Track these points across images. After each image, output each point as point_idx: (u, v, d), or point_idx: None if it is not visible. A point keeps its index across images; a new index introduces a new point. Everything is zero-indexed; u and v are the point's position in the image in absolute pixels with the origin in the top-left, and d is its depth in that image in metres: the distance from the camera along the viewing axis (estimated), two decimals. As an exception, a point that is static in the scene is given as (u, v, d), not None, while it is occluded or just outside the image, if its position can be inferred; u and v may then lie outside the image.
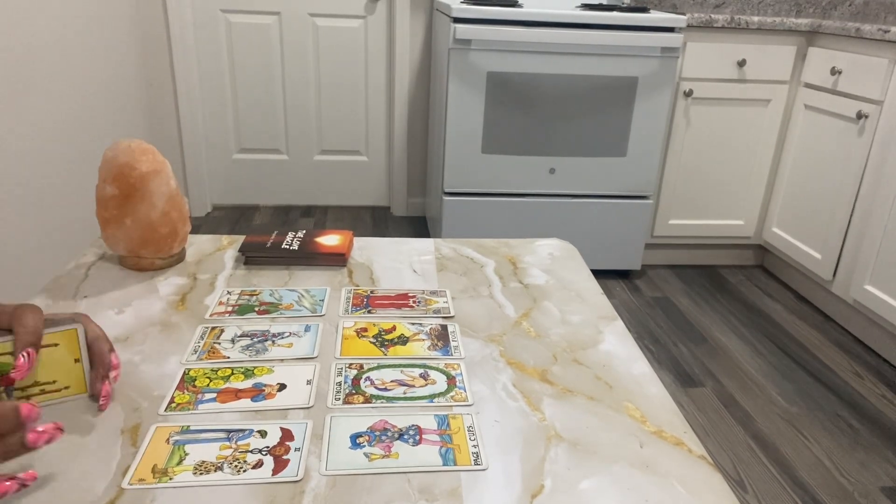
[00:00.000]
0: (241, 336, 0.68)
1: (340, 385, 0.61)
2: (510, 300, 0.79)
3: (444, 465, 0.51)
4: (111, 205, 0.76)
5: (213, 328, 0.69)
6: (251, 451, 0.52)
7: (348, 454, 0.52)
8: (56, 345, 0.55)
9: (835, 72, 2.30)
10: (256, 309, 0.74)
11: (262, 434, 0.54)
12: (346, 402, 0.58)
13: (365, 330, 0.70)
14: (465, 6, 2.22)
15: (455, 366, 0.65)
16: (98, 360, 0.57)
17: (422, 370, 0.64)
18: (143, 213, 0.77)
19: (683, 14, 2.37)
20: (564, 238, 2.54)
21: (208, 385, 0.60)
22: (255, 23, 2.92)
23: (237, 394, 0.59)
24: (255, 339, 0.67)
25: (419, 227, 3.10)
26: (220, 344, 0.66)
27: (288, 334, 0.69)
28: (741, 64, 2.44)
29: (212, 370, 0.62)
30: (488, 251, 0.93)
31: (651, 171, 2.47)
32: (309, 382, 0.61)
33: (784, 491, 1.55)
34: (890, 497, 1.55)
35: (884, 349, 2.18)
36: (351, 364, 0.64)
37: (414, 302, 0.77)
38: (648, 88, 2.35)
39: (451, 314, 0.75)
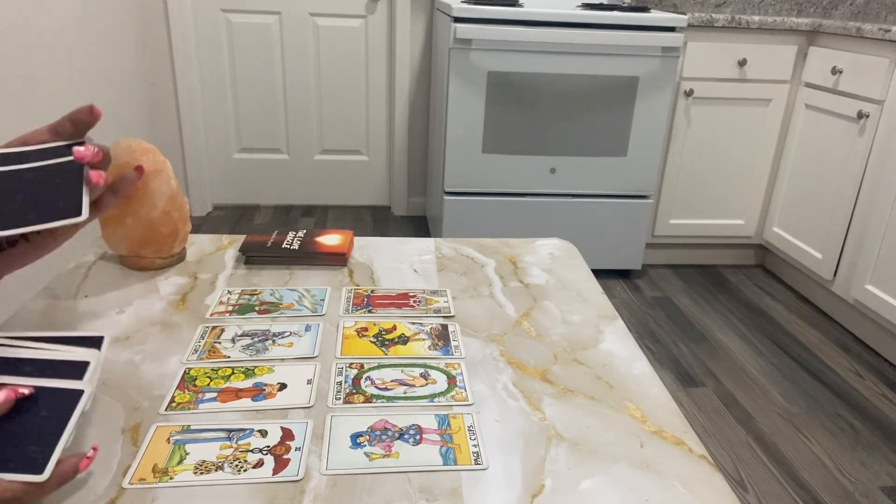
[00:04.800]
0: (241, 335, 0.68)
1: (341, 384, 0.61)
2: (511, 300, 0.79)
3: (444, 464, 0.51)
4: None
5: (214, 328, 0.69)
6: (252, 451, 0.52)
7: (349, 454, 0.52)
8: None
9: (835, 71, 2.29)
10: (257, 308, 0.74)
11: (263, 433, 0.54)
12: (346, 401, 0.58)
13: (365, 329, 0.70)
14: (465, 6, 2.22)
15: (455, 365, 0.65)
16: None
17: (422, 370, 0.64)
18: (143, 212, 0.77)
19: (684, 13, 2.37)
20: (565, 238, 2.54)
21: (209, 384, 0.60)
22: (255, 22, 2.92)
23: (238, 393, 0.59)
24: (256, 339, 0.67)
25: (420, 226, 3.10)
26: (220, 343, 0.66)
27: (288, 334, 0.69)
28: (742, 63, 2.43)
29: (212, 370, 0.62)
30: (489, 251, 0.93)
31: (651, 170, 2.47)
32: (309, 382, 0.61)
33: (785, 491, 1.55)
34: (890, 497, 1.55)
35: (884, 349, 2.18)
36: (351, 364, 0.64)
37: (414, 301, 0.77)
38: (649, 88, 2.35)
39: (452, 314, 0.75)
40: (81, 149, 0.54)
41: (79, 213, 0.53)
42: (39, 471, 0.44)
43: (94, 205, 0.58)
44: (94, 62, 2.31)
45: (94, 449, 0.49)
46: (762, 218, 2.70)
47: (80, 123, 0.55)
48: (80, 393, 0.48)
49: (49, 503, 0.46)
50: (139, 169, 0.63)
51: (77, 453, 0.48)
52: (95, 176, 0.55)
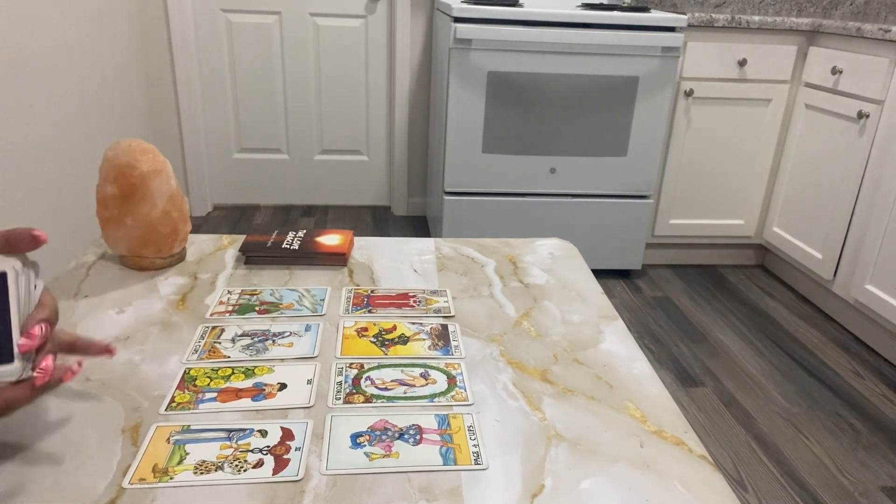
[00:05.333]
0: (241, 335, 0.68)
1: (341, 384, 0.61)
2: (511, 300, 0.79)
3: (444, 464, 0.51)
4: (111, 204, 0.76)
5: (214, 328, 0.69)
6: (252, 451, 0.52)
7: (349, 454, 0.52)
8: None
9: (835, 71, 2.29)
10: (257, 308, 0.74)
11: (263, 433, 0.54)
12: (346, 401, 0.58)
13: (365, 329, 0.70)
14: (465, 6, 2.22)
15: (455, 365, 0.65)
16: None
17: (422, 370, 0.64)
18: (143, 212, 0.77)
19: (684, 13, 2.37)
20: (565, 237, 2.54)
21: (209, 384, 0.60)
22: (255, 22, 2.92)
23: (238, 393, 0.59)
24: (256, 339, 0.67)
25: (420, 226, 3.10)
26: (220, 343, 0.66)
27: (288, 334, 0.69)
28: (742, 63, 2.43)
29: (212, 370, 0.62)
30: (489, 251, 0.93)
31: (651, 170, 2.47)
32: (309, 382, 0.61)
33: (784, 491, 1.55)
34: (890, 497, 1.55)
35: (884, 349, 2.18)
36: (351, 364, 0.64)
37: (414, 301, 0.77)
38: (649, 88, 2.35)
39: (452, 314, 0.75)
40: (22, 341, 0.47)
41: (10, 360, 0.46)
42: (8, 359, 0.44)
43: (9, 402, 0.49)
44: (93, 62, 2.31)
45: (79, 364, 0.50)
46: (762, 218, 2.70)
47: (14, 246, 0.49)
48: (3, 276, 0.47)
49: (48, 502, 0.46)
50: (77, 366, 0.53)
51: (62, 365, 0.49)
52: (41, 376, 0.48)
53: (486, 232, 2.49)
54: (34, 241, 0.49)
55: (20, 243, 0.49)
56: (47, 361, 0.49)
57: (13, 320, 0.46)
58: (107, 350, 0.56)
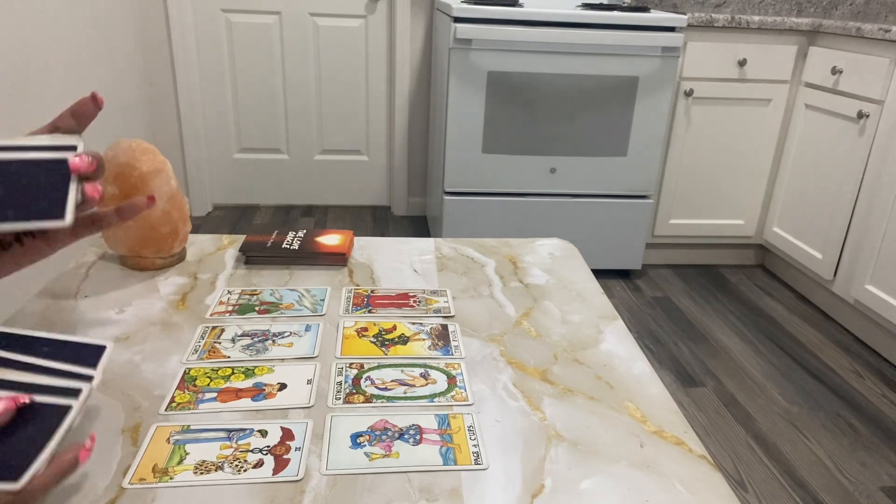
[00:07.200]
0: (241, 335, 0.68)
1: (341, 384, 0.61)
2: (511, 300, 0.79)
3: (444, 464, 0.51)
4: (111, 204, 0.76)
5: (214, 328, 0.69)
6: (252, 451, 0.52)
7: (349, 454, 0.52)
8: None
9: (835, 71, 2.29)
10: (257, 308, 0.74)
11: (263, 433, 0.54)
12: (346, 401, 0.58)
13: (365, 329, 0.70)
14: (465, 6, 2.22)
15: (455, 365, 0.65)
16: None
17: (422, 370, 0.64)
18: (143, 212, 0.77)
19: (684, 13, 2.37)
20: (565, 238, 2.54)
21: (209, 384, 0.60)
22: (255, 22, 2.92)
23: (238, 393, 0.59)
24: (256, 339, 0.67)
25: (420, 226, 3.10)
26: (220, 343, 0.66)
27: (288, 334, 0.69)
28: (742, 63, 2.43)
29: (212, 370, 0.62)
30: (489, 251, 0.93)
31: (651, 170, 2.47)
32: (309, 382, 0.61)
33: (784, 491, 1.55)
34: (891, 497, 1.55)
35: (884, 349, 2.18)
36: (351, 363, 0.64)
37: (414, 301, 0.77)
38: (649, 88, 2.35)
39: (452, 314, 0.75)
40: (76, 160, 0.50)
41: (62, 217, 0.48)
42: (15, 477, 0.43)
43: (95, 220, 0.56)
44: (93, 62, 2.31)
45: (92, 439, 0.49)
46: (762, 218, 2.70)
47: (81, 116, 0.52)
48: (68, 409, 0.47)
49: (48, 502, 0.46)
50: (150, 199, 0.59)
51: (75, 445, 0.48)
52: (91, 189, 0.51)
53: (486, 232, 2.49)
54: (95, 104, 0.52)
55: (85, 110, 0.52)
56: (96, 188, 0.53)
57: (45, 452, 0.45)
58: (148, 201, 0.58)
